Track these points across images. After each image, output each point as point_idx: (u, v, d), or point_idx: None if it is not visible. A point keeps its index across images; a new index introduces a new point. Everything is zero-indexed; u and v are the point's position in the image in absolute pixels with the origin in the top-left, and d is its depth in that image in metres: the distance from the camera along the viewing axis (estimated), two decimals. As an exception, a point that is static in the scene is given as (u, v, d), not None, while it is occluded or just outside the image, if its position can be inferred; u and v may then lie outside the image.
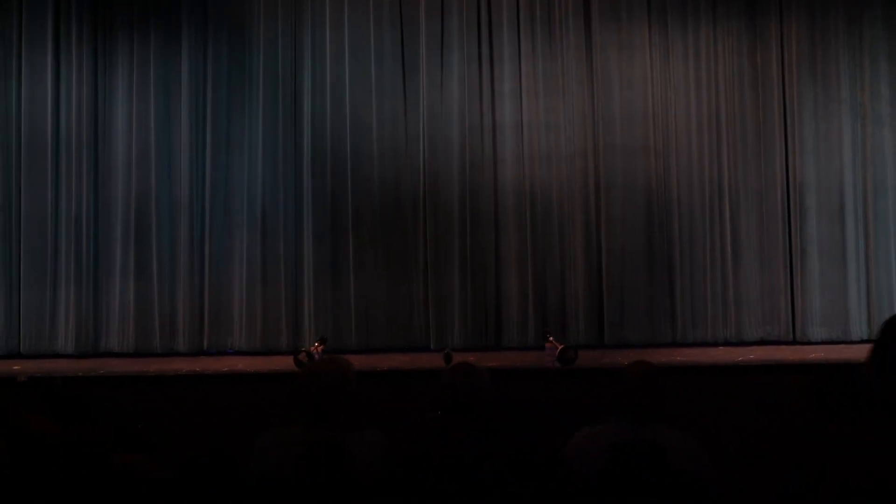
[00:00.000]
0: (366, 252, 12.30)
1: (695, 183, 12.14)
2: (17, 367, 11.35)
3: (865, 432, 4.93)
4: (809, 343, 11.69)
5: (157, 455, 4.73)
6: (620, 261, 12.16)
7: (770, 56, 12.11)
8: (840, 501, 4.68)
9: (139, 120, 12.42)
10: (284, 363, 10.78)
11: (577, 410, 6.54)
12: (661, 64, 12.25)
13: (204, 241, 12.41)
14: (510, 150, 12.27)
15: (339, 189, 12.35)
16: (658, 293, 12.12)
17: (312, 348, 11.02)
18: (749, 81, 12.13)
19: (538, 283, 12.21)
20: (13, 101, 12.52)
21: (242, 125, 12.43)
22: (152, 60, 12.47)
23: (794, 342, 11.79)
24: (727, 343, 11.91)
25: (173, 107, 12.46)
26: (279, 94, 12.42)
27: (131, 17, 12.50)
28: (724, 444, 5.88)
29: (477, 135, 12.29)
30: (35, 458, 4.36)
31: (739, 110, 12.13)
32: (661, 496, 4.70)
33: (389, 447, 4.71)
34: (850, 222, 11.93)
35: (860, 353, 10.48)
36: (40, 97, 12.51)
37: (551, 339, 10.94)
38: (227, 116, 12.46)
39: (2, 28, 12.56)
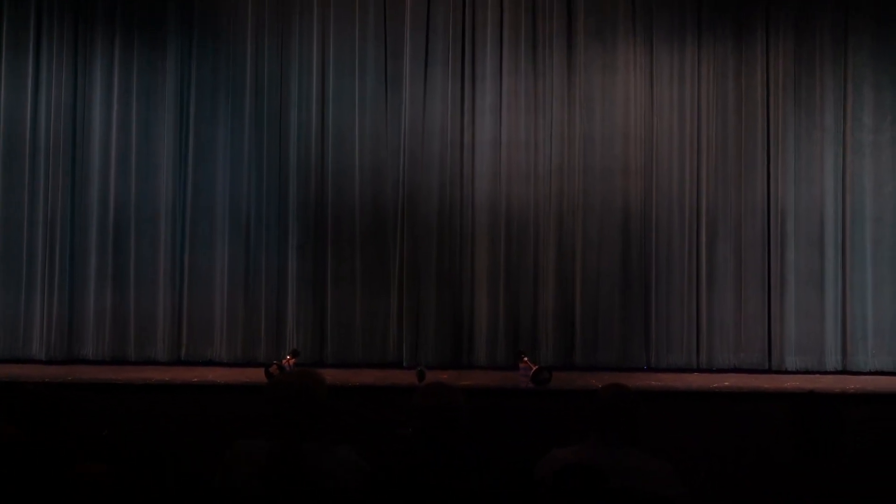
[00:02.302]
0: (344, 266, 12.26)
1: (674, 206, 12.11)
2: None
3: (839, 461, 4.92)
4: (785, 372, 11.66)
5: (122, 464, 4.67)
6: (595, 282, 12.13)
7: (754, 80, 12.10)
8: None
9: (120, 125, 12.36)
10: (261, 375, 10.71)
11: (550, 431, 6.51)
12: (645, 85, 12.22)
13: (185, 250, 12.35)
14: (489, 168, 12.24)
15: (320, 202, 12.31)
16: (633, 317, 12.08)
17: (284, 361, 10.96)
18: (732, 105, 12.12)
19: (511, 303, 12.17)
20: (-10, 103, 12.47)
21: (227, 135, 12.37)
22: (135, 66, 12.41)
23: (770, 370, 11.74)
24: (701, 369, 11.86)
25: (155, 113, 12.39)
26: (265, 104, 12.38)
27: (114, 21, 12.44)
28: (696, 469, 5.86)
29: (457, 151, 12.26)
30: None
31: (722, 134, 12.11)
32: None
33: (359, 463, 4.67)
34: (830, 251, 11.91)
35: (833, 383, 10.55)
36: (19, 100, 12.44)
37: (525, 359, 10.89)
38: (212, 125, 12.39)
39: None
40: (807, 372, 11.63)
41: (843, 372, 11.70)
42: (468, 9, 12.34)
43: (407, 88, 12.30)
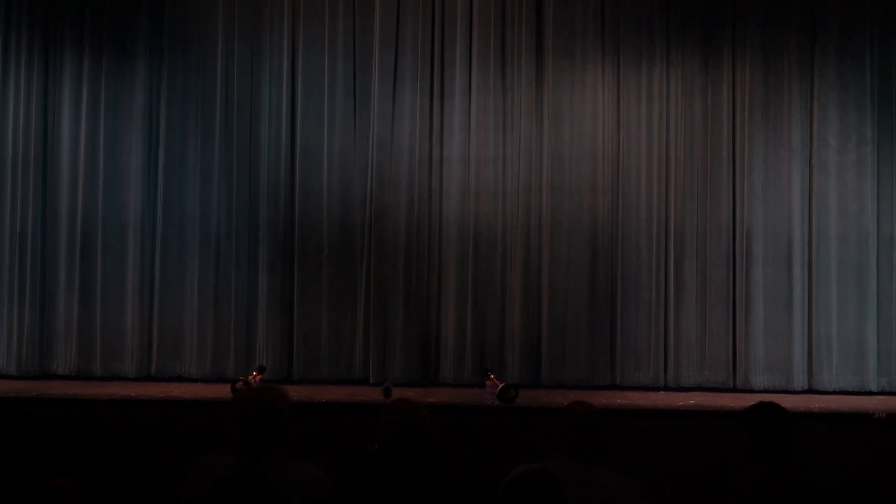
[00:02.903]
0: (311, 283, 12.25)
1: (642, 224, 12.13)
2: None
3: (797, 475, 4.95)
4: (751, 391, 11.67)
5: (87, 478, 4.66)
6: (563, 300, 12.13)
7: (721, 100, 12.14)
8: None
9: (88, 138, 12.34)
10: (227, 391, 10.69)
11: (517, 449, 6.52)
12: (613, 103, 12.24)
13: (155, 266, 12.34)
14: (457, 185, 12.24)
15: (289, 219, 12.32)
16: (599, 334, 12.08)
17: (251, 377, 10.95)
18: (699, 124, 12.15)
19: (479, 320, 12.15)
20: (-42, 116, 12.43)
21: (197, 150, 12.37)
22: (104, 79, 12.40)
23: (734, 389, 11.77)
24: (669, 387, 11.88)
25: (125, 127, 12.38)
26: (234, 119, 12.37)
27: (83, 33, 12.44)
28: (661, 486, 5.88)
29: (425, 168, 12.28)
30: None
31: (689, 153, 12.14)
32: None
33: (323, 480, 4.67)
34: (797, 269, 11.94)
35: (798, 402, 10.58)
36: (-12, 112, 12.44)
37: (492, 376, 10.90)
38: (181, 140, 12.39)
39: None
40: (774, 391, 11.62)
41: (809, 391, 11.74)
42: (437, 25, 12.36)
43: (375, 105, 12.32)
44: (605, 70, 12.28)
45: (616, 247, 12.14)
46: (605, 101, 12.26)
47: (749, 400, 10.89)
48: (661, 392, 11.74)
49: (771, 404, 5.36)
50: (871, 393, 11.67)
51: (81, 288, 12.26)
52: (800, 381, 11.81)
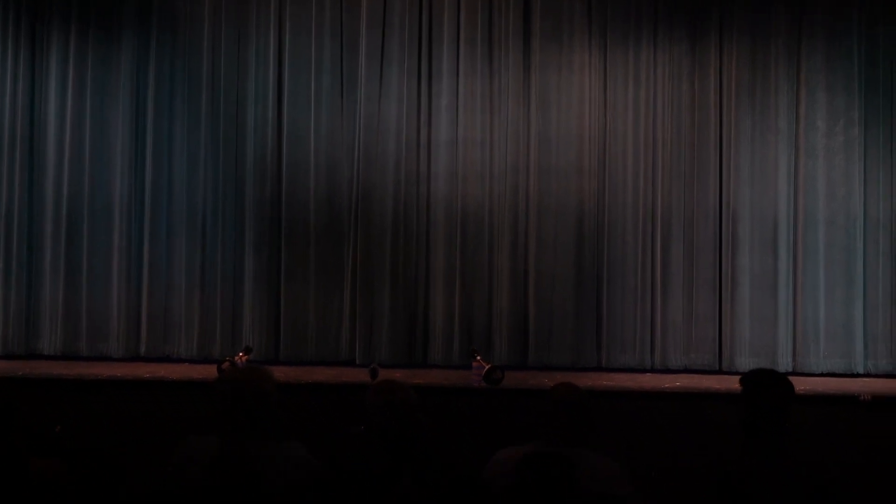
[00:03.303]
0: (298, 264, 12.25)
1: (628, 207, 12.14)
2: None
3: (787, 456, 4.96)
4: (737, 373, 11.66)
5: (73, 460, 4.66)
6: (550, 282, 12.14)
7: (708, 83, 12.14)
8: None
9: (75, 119, 12.32)
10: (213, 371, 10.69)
11: (502, 431, 6.53)
12: (600, 86, 12.24)
13: (143, 246, 12.31)
14: (444, 167, 12.24)
15: (275, 200, 12.31)
16: (586, 317, 12.09)
17: (237, 358, 10.93)
18: (686, 107, 12.15)
19: (466, 302, 12.16)
20: (-55, 94, 12.40)
21: (183, 131, 12.34)
22: (91, 60, 12.38)
23: (721, 371, 11.79)
24: (655, 369, 11.91)
25: (111, 108, 12.35)
26: (221, 101, 12.35)
27: (70, 14, 12.41)
28: (646, 469, 5.89)
29: (413, 150, 12.27)
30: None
31: (676, 136, 12.14)
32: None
33: (309, 460, 4.67)
34: (783, 253, 11.97)
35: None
36: (-27, 91, 12.40)
37: (479, 357, 10.91)
38: (168, 121, 12.36)
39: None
40: (759, 373, 11.64)
41: (794, 373, 11.76)
42: (424, 7, 12.35)
43: (362, 86, 12.30)
44: (592, 53, 12.28)
45: (603, 230, 12.15)
46: (592, 84, 12.26)
47: (733, 382, 10.98)
48: (648, 374, 11.77)
49: (772, 371, 5.34)
50: (857, 375, 11.71)
51: (68, 269, 12.25)
52: (785, 363, 11.83)
